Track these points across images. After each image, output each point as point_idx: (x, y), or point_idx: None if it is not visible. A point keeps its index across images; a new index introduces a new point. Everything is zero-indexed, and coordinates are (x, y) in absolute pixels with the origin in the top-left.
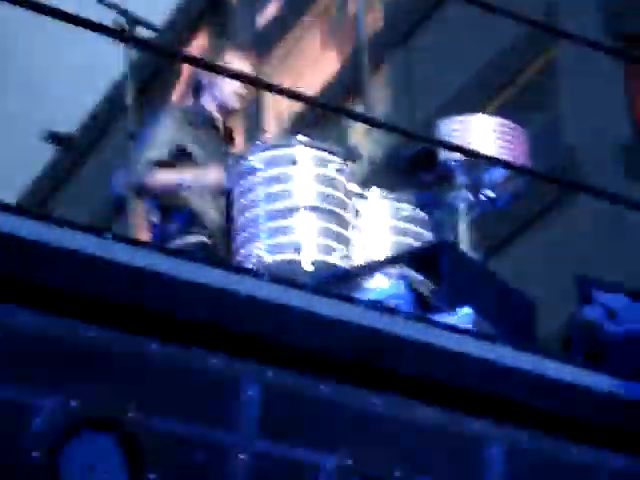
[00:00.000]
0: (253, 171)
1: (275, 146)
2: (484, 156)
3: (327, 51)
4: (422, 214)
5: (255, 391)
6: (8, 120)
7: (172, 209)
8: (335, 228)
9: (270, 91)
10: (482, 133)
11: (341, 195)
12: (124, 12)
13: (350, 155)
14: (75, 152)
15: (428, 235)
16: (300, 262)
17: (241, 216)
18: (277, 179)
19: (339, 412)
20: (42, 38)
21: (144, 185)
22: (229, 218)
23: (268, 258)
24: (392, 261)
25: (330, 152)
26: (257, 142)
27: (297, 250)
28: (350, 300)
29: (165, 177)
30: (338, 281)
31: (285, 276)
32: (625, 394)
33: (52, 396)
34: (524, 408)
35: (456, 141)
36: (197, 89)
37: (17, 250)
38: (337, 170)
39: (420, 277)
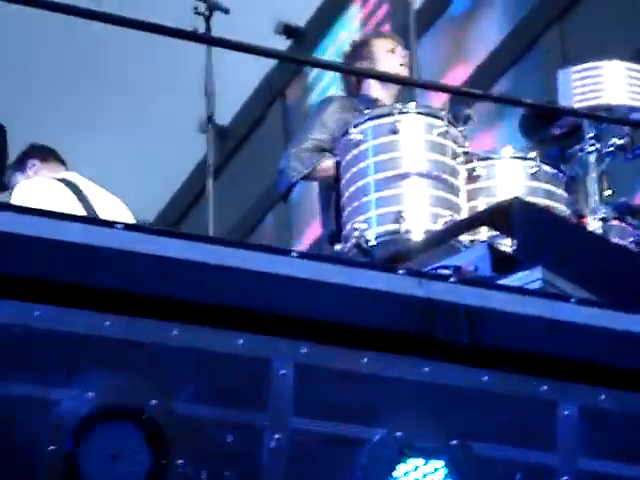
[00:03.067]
0: (358, 142)
1: (378, 116)
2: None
3: None
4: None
5: (289, 369)
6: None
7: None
8: (444, 194)
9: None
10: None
11: (448, 160)
12: None
13: (460, 118)
14: (230, 141)
15: (561, 194)
16: (406, 231)
17: (350, 187)
18: (382, 148)
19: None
20: None
21: (314, 169)
22: (338, 191)
23: (372, 231)
24: (470, 223)
25: (436, 116)
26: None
27: (402, 219)
28: (390, 270)
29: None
30: (423, 248)
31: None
32: None
33: (68, 389)
34: (596, 367)
35: (583, 89)
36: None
37: (25, 247)
38: (443, 134)
39: (501, 236)
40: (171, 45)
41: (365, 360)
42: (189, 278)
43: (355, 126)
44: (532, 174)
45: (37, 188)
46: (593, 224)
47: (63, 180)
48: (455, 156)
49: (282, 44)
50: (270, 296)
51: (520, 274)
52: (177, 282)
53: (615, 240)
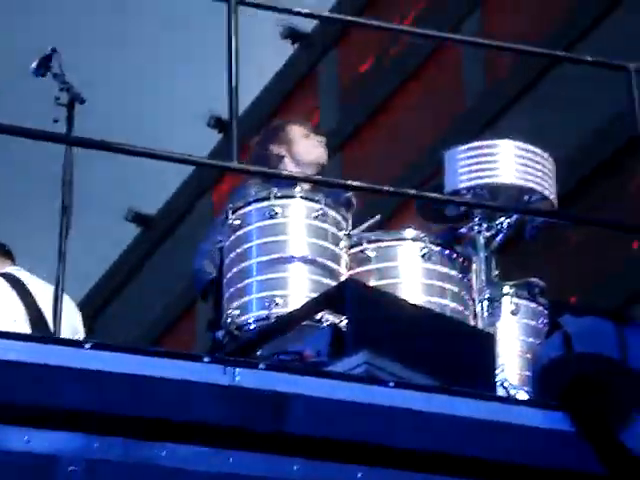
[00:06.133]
0: (237, 227)
1: (256, 200)
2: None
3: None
4: (446, 252)
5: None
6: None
7: None
8: (322, 279)
9: None
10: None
11: (327, 244)
12: None
13: (341, 202)
14: (156, 232)
15: (455, 275)
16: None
17: (228, 272)
18: (260, 232)
19: None
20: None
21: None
22: (220, 274)
23: (244, 317)
24: (311, 306)
25: (313, 200)
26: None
27: (274, 305)
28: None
29: None
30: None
31: None
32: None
33: None
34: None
35: (471, 167)
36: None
37: None
38: (322, 218)
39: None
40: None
41: (164, 453)
42: None
43: (234, 211)
44: (422, 255)
45: None
46: (480, 305)
47: (5, 275)
48: (336, 240)
49: (288, 49)
50: None
51: (346, 358)
52: None
53: (525, 321)
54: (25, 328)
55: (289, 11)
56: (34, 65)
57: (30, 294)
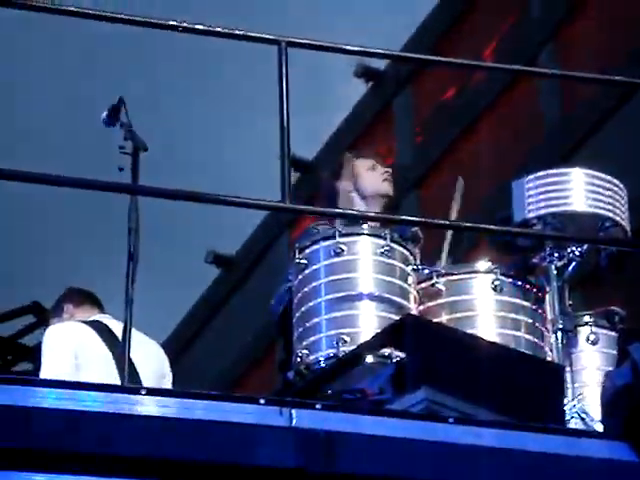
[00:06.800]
0: (304, 266)
1: (322, 239)
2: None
3: None
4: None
5: None
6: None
7: None
8: (390, 316)
9: None
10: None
11: (395, 280)
12: None
13: (408, 237)
14: (235, 273)
15: (526, 305)
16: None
17: (297, 311)
18: (327, 271)
19: None
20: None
21: None
22: (289, 315)
23: (313, 356)
24: (372, 343)
25: (379, 236)
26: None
27: (343, 343)
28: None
29: None
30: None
31: None
32: None
33: None
34: None
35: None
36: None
37: None
38: (387, 254)
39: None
40: None
41: None
42: None
43: (300, 250)
44: (494, 287)
45: (62, 332)
46: (555, 336)
47: (93, 322)
48: (404, 275)
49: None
50: None
51: (407, 395)
52: None
53: (605, 351)
54: (113, 374)
55: (341, 50)
56: (104, 115)
57: (118, 340)
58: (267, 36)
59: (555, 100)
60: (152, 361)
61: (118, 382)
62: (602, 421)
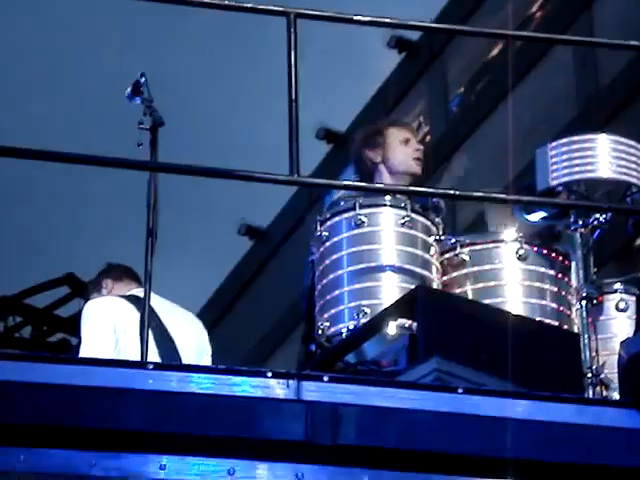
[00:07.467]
0: (325, 238)
1: (342, 211)
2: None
3: None
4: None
5: None
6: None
7: None
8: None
9: None
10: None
11: (417, 251)
12: None
13: (429, 207)
14: (268, 245)
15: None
16: None
17: (319, 284)
18: (348, 243)
19: None
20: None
21: None
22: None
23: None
24: (384, 314)
25: (400, 207)
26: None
27: (363, 314)
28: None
29: None
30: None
31: None
32: None
33: None
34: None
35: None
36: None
37: None
38: (408, 225)
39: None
40: None
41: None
42: None
43: (321, 223)
44: (518, 256)
45: (101, 307)
46: (579, 304)
47: (131, 297)
48: (426, 246)
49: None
50: None
51: (418, 366)
52: None
53: (635, 317)
54: (151, 348)
55: (351, 21)
56: (129, 90)
57: (156, 314)
58: (275, 8)
59: (589, 72)
60: (195, 334)
61: (156, 355)
62: (619, 389)
